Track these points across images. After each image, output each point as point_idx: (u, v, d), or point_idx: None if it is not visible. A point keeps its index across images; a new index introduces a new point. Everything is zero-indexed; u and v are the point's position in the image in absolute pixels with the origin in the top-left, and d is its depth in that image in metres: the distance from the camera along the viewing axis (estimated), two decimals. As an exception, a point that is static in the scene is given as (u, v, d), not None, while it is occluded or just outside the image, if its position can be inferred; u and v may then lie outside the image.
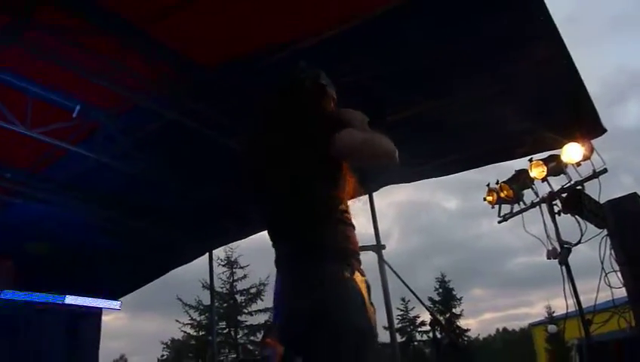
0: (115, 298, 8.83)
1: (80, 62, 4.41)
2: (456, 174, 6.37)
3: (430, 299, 29.77)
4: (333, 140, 1.79)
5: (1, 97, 4.71)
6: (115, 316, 33.49)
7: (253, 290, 25.45)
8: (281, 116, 1.98)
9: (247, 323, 25.01)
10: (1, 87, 4.68)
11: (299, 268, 1.81)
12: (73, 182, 6.17)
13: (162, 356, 40.82)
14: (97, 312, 8.90)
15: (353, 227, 1.89)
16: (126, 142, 5.48)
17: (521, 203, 5.40)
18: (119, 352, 48.93)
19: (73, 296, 8.26)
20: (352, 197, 1.97)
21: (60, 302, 8.11)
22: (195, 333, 25.52)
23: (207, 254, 8.61)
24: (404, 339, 28.89)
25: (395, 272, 4.49)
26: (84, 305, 8.47)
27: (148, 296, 15.93)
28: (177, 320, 25.36)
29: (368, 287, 1.80)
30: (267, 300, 25.29)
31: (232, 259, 25.88)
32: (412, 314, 31.08)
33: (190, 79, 4.73)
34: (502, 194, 5.38)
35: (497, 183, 5.44)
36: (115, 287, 8.65)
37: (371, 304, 1.78)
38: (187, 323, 25.19)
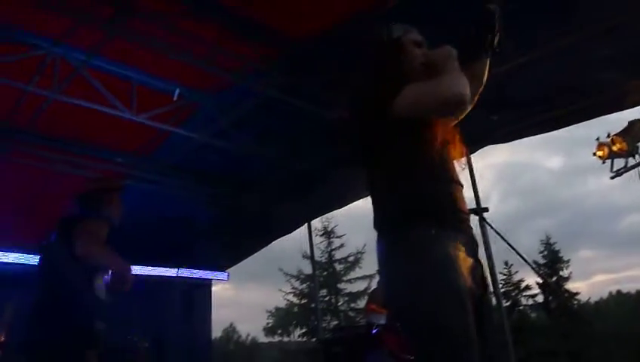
0: (222, 269, 9.32)
1: (178, 46, 4.61)
2: (558, 131, 6.01)
3: (535, 262, 28.64)
4: (393, 105, 1.76)
5: (108, 86, 5.05)
6: (224, 287, 35.53)
7: (351, 259, 25.82)
8: (356, 86, 1.97)
9: (347, 291, 25.47)
10: (109, 77, 5.01)
11: (383, 236, 1.80)
12: (178, 162, 6.53)
13: (267, 323, 42.85)
14: (208, 283, 9.47)
15: (449, 188, 1.82)
16: (225, 120, 5.69)
17: (636, 156, 5.02)
18: (229, 320, 52.00)
19: (186, 269, 8.83)
20: (458, 159, 1.91)
21: (175, 275, 8.71)
22: (297, 301, 26.39)
23: (306, 225, 8.84)
24: (508, 304, 28.13)
25: (500, 235, 4.37)
26: (196, 277, 9.03)
27: (252, 267, 16.77)
28: (280, 290, 26.36)
29: (462, 258, 1.71)
30: (365, 268, 25.58)
31: (329, 230, 26.34)
32: (516, 278, 30.08)
33: (284, 54, 4.80)
34: (614, 148, 5.02)
35: (608, 137, 5.08)
36: (223, 259, 9.12)
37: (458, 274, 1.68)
38: (289, 292, 26.12)
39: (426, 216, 1.72)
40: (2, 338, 6.60)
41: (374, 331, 4.80)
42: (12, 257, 7.08)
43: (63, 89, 4.81)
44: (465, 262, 1.69)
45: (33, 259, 7.19)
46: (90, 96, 4.97)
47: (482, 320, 1.65)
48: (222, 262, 9.31)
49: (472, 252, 1.78)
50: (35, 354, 2.80)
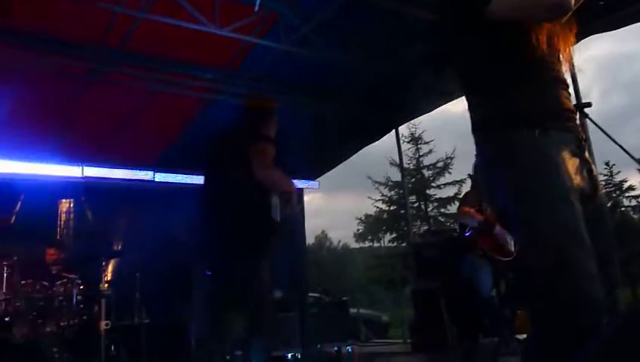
0: (313, 178, 9.57)
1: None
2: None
3: (639, 161, 26.87)
4: (489, 5, 1.64)
5: (192, 1, 5.10)
6: (314, 196, 36.69)
7: (440, 164, 25.55)
8: None
9: (437, 197, 25.48)
10: (191, -8, 5.05)
11: (483, 139, 1.75)
12: (265, 73, 6.60)
13: (358, 230, 44.16)
14: (299, 193, 9.80)
15: (552, 86, 1.73)
16: (306, 28, 5.62)
17: None
18: (320, 228, 54.06)
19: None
20: (563, 55, 1.79)
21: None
22: (386, 208, 26.82)
23: (394, 131, 8.78)
24: (610, 205, 27.01)
25: (603, 130, 4.11)
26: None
27: (341, 175, 17.10)
28: (369, 197, 26.81)
29: (567, 158, 1.64)
30: (455, 173, 25.28)
31: (417, 136, 25.99)
32: (617, 178, 28.56)
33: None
34: None
35: None
36: (312, 169, 9.33)
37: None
38: (378, 199, 26.49)
39: (527, 118, 1.66)
40: (119, 247, 7.30)
41: (468, 233, 4.81)
42: (118, 173, 7.63)
43: (149, 8, 4.91)
44: (571, 162, 1.64)
45: (137, 175, 7.76)
46: (176, 12, 5.05)
47: (593, 220, 1.61)
48: (312, 172, 9.53)
49: (579, 151, 1.71)
50: (218, 272, 3.09)
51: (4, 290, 5.50)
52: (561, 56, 1.80)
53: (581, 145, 1.73)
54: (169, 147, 7.68)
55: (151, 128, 7.20)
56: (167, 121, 7.25)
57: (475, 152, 1.82)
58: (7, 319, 5.41)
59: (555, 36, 1.77)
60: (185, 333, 6.73)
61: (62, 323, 5.88)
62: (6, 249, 5.67)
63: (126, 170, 7.54)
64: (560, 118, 1.70)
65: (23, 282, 5.66)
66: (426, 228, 23.76)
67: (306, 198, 10.00)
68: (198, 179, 7.75)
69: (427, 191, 25.58)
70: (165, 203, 7.99)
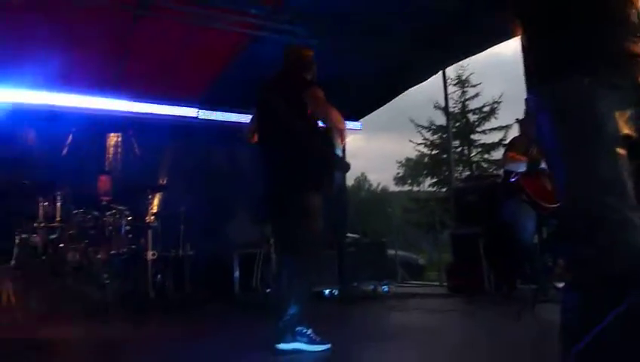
0: (355, 119, 9.51)
1: None
2: None
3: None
4: None
5: None
6: (356, 137, 36.33)
7: (486, 109, 24.90)
8: None
9: (481, 142, 24.99)
10: None
11: (533, 86, 1.71)
12: (309, 10, 6.48)
13: (398, 173, 44.04)
14: (341, 133, 9.78)
15: (612, 29, 1.62)
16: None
17: None
18: (360, 170, 54.10)
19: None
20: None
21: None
22: (428, 152, 26.52)
23: (440, 73, 8.58)
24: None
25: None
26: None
27: (383, 118, 16.87)
28: (411, 140, 26.49)
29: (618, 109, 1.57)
30: (501, 118, 24.65)
31: (463, 78, 25.26)
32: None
33: None
34: None
35: None
36: (355, 109, 9.26)
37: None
38: (420, 143, 26.16)
39: (580, 63, 1.60)
40: (164, 181, 7.54)
41: (513, 179, 4.77)
42: (164, 109, 7.76)
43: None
44: (623, 114, 1.58)
45: (183, 111, 7.87)
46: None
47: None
48: (354, 112, 9.46)
49: (636, 100, 1.64)
50: (283, 205, 3.53)
51: (57, 218, 5.81)
52: None
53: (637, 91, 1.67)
54: (213, 84, 7.74)
55: (196, 65, 7.24)
56: (212, 58, 7.26)
57: (525, 97, 1.78)
58: (61, 246, 5.75)
59: None
60: (227, 265, 7.02)
61: (111, 252, 6.21)
62: (59, 180, 5.94)
63: (172, 107, 7.66)
64: (619, 64, 1.63)
65: (75, 212, 5.95)
66: (468, 173, 23.51)
67: (347, 139, 9.95)
68: (241, 117, 7.92)
69: (471, 136, 25.11)
70: (209, 139, 8.16)
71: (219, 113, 8.16)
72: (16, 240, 5.76)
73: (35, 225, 5.71)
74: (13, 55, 6.07)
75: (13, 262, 5.65)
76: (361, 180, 52.02)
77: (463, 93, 25.31)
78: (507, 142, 6.15)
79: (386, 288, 7.28)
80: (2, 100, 6.74)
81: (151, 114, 7.65)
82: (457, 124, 24.80)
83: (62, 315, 5.08)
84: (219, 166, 8.62)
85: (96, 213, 6.18)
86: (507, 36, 6.98)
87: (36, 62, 6.11)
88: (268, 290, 6.29)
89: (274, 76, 3.76)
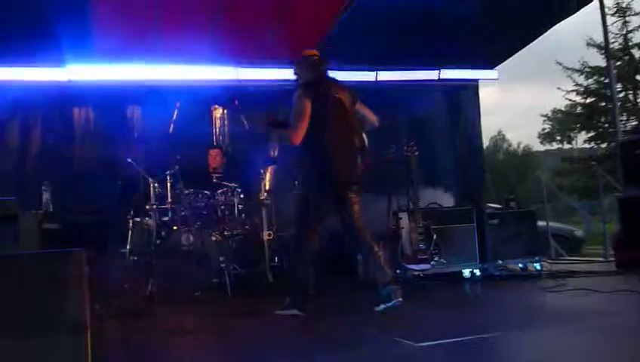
0: (490, 66, 9.15)
1: None
2: None
3: None
4: None
5: None
6: (491, 89, 35.14)
7: (655, 41, 22.93)
8: None
9: (650, 84, 23.13)
10: None
11: None
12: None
13: (543, 129, 41.97)
14: (474, 85, 9.46)
15: None
16: None
17: None
18: (496, 128, 52.19)
19: (449, 70, 8.89)
20: None
21: (436, 78, 8.87)
22: (582, 100, 25.05)
23: (593, 3, 7.97)
24: None
25: None
26: (461, 78, 9.07)
27: (521, 65, 15.99)
28: (559, 88, 25.18)
29: None
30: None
31: (624, 6, 23.34)
32: None
33: None
34: None
35: None
36: (490, 55, 8.90)
37: None
38: (571, 90, 24.77)
39: None
40: (275, 153, 7.78)
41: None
42: (270, 73, 7.94)
43: None
44: None
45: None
46: None
47: None
48: (489, 59, 9.11)
49: None
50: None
51: (169, 200, 6.22)
52: None
53: None
54: (322, 41, 7.80)
55: (303, 22, 7.31)
56: (319, 14, 7.30)
57: None
58: (174, 228, 6.16)
59: None
60: (345, 245, 7.14)
61: (226, 233, 6.56)
62: (167, 159, 6.34)
63: (279, 69, 7.84)
64: None
65: (186, 192, 6.33)
66: (635, 122, 21.88)
67: (481, 92, 9.61)
68: (358, 75, 7.97)
69: (637, 77, 23.34)
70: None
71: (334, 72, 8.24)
72: (130, 224, 6.27)
73: (147, 207, 6.17)
74: (112, 29, 6.51)
75: (128, 247, 6.17)
76: (499, 140, 50.32)
77: (625, 23, 23.46)
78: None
79: (538, 266, 7.03)
80: (105, 78, 7.29)
81: (257, 80, 7.88)
82: (618, 63, 23.08)
83: (181, 300, 5.45)
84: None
85: (207, 192, 6.53)
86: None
87: (134, 35, 6.52)
88: (398, 271, 6.32)
89: (323, 77, 4.94)
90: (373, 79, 8.45)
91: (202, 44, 6.88)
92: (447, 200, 7.60)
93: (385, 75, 8.53)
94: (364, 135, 5.03)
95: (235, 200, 6.58)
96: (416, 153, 6.43)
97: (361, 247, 4.76)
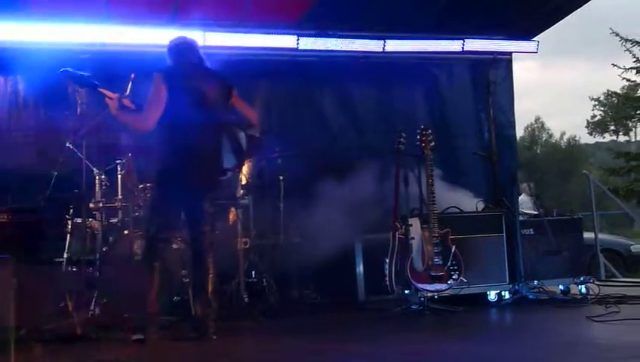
0: (527, 37, 9.16)
1: None
2: None
3: None
4: None
5: None
6: (528, 65, 35.13)
7: None
8: None
9: None
10: None
11: None
12: None
13: (593, 116, 42.16)
14: (507, 59, 9.47)
15: None
16: None
17: None
18: (533, 113, 52.36)
19: (476, 39, 8.89)
20: None
21: (460, 49, 8.87)
22: (642, 82, 25.18)
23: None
24: None
25: None
26: (490, 50, 9.07)
27: (565, 36, 15.90)
28: (615, 65, 25.22)
29: None
30: None
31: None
32: None
33: None
34: None
35: None
36: (528, 22, 8.91)
37: None
38: (630, 68, 24.84)
39: None
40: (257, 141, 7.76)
41: None
42: (248, 40, 7.96)
43: None
44: None
45: (278, 41, 8.03)
46: None
47: None
48: (526, 27, 9.12)
49: None
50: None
51: (118, 196, 6.20)
52: None
53: None
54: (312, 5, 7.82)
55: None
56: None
57: None
58: (125, 232, 6.15)
59: None
60: (346, 257, 7.16)
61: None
62: (117, 145, 6.33)
63: (263, 36, 7.87)
64: None
65: (140, 186, 6.29)
66: None
67: (515, 68, 9.62)
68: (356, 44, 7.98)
69: None
70: (314, 78, 8.29)
71: (325, 40, 8.26)
72: (68, 227, 6.23)
73: (90, 205, 6.14)
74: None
75: (66, 255, 6.12)
76: (537, 129, 50.51)
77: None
78: None
79: (583, 288, 7.06)
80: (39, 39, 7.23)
81: (235, 47, 7.89)
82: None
83: (131, 323, 5.43)
84: (329, 114, 8.76)
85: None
86: None
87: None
88: (407, 292, 6.34)
89: (189, 66, 5.21)
90: (381, 49, 8.46)
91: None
92: (470, 203, 7.60)
93: (395, 45, 8.55)
94: (242, 135, 5.49)
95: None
96: (432, 144, 6.45)
97: (198, 267, 5.08)
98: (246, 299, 6.60)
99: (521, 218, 7.47)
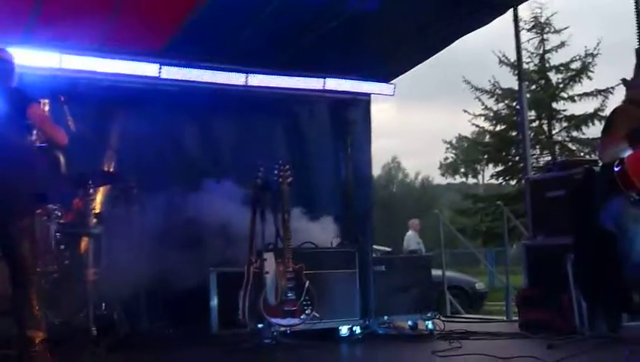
0: (385, 79, 9.45)
1: None
2: None
3: None
4: None
5: None
6: (385, 107, 36.31)
7: (575, 65, 24.71)
8: None
9: (568, 113, 24.82)
10: None
11: None
12: None
13: (446, 158, 43.99)
14: (365, 100, 9.72)
15: None
16: None
17: None
18: (391, 154, 53.98)
19: (335, 79, 9.08)
20: None
21: (320, 88, 9.03)
22: (491, 127, 26.38)
23: (509, 12, 8.46)
24: None
25: None
26: (349, 90, 9.29)
27: (423, 80, 16.70)
28: (466, 111, 26.34)
29: None
30: (598, 79, 24.48)
31: (543, 20, 25.06)
32: None
33: None
34: None
35: None
36: (385, 65, 9.19)
37: None
38: (480, 115, 26.00)
39: None
40: (111, 168, 7.53)
41: (618, 168, 4.71)
42: (112, 66, 7.77)
43: None
44: None
45: (141, 68, 7.89)
46: None
47: None
48: (384, 70, 9.40)
49: None
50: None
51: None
52: None
53: None
54: (177, 31, 7.75)
55: (150, 8, 7.22)
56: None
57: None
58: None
59: None
60: (200, 289, 7.06)
61: (37, 269, 6.22)
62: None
63: (124, 62, 7.70)
64: None
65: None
66: (549, 158, 23.37)
67: (374, 108, 9.91)
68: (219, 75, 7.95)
69: (554, 105, 24.96)
70: (175, 107, 8.19)
71: (188, 70, 8.21)
72: None
73: None
74: None
75: None
76: (393, 168, 52.09)
77: (542, 41, 25.15)
78: (607, 115, 6.07)
79: (430, 324, 7.26)
80: None
81: (93, 72, 7.67)
82: (534, 88, 24.66)
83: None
84: (188, 145, 8.66)
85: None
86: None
87: None
88: (260, 326, 6.30)
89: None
90: (242, 83, 8.47)
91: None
92: (326, 239, 7.69)
93: (257, 80, 8.60)
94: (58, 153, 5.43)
95: (52, 227, 6.30)
96: (290, 179, 6.49)
97: (16, 291, 4.77)
98: (94, 331, 6.34)
99: (374, 255, 7.61)
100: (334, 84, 9.09)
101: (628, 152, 4.72)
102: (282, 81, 8.82)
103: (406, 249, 13.61)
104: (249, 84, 8.50)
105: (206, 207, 7.45)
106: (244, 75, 8.45)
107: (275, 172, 6.52)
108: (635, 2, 6.78)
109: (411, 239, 14.72)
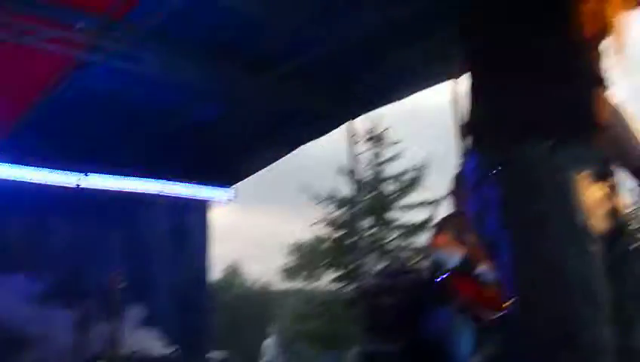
0: (226, 185, 9.47)
1: None
2: None
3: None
4: None
5: None
6: (227, 211, 36.01)
7: (408, 176, 25.74)
8: None
9: (402, 222, 25.60)
10: None
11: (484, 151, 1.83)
12: (162, 29, 6.49)
13: (286, 263, 44.01)
14: (204, 205, 9.67)
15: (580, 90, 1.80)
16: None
17: None
18: (231, 257, 53.50)
19: (174, 183, 9.01)
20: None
21: (158, 192, 8.91)
22: (329, 234, 26.75)
23: (345, 126, 8.76)
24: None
25: None
26: (187, 196, 9.22)
27: (265, 185, 16.90)
28: (305, 217, 26.71)
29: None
30: (430, 189, 25.54)
31: (378, 133, 26.07)
32: (648, 209, 30.00)
33: None
34: None
35: None
36: (225, 172, 9.24)
37: None
38: (317, 222, 26.37)
39: (539, 125, 1.72)
40: None
41: (443, 277, 4.89)
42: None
43: None
44: (592, 189, 1.69)
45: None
46: None
47: (615, 265, 1.68)
48: (224, 176, 9.44)
49: (604, 174, 1.77)
50: None
51: None
52: (603, 37, 1.83)
53: (608, 167, 1.80)
54: (16, 126, 7.46)
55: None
56: (17, 89, 7.01)
57: (460, 161, 1.85)
58: None
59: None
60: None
61: None
62: None
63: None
64: (584, 128, 1.75)
65: None
66: (384, 265, 23.90)
67: (216, 213, 9.88)
68: (60, 176, 7.71)
69: (388, 214, 25.69)
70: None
71: (20, 168, 7.92)
72: None
73: None
74: None
75: None
76: (233, 273, 51.47)
77: (377, 154, 26.06)
78: (435, 222, 6.34)
79: None
80: None
81: None
82: (370, 196, 25.41)
83: None
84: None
85: None
86: (437, 78, 7.34)
87: None
88: None
89: None
90: (78, 183, 8.22)
91: None
92: (161, 345, 7.42)
93: (94, 181, 8.38)
94: None
95: None
96: (122, 285, 6.28)
97: None
98: None
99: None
100: (173, 188, 9.01)
101: (453, 261, 4.93)
102: (120, 183, 8.68)
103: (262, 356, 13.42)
104: (85, 185, 8.26)
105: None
106: (82, 174, 8.22)
107: (108, 277, 6.31)
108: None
109: (269, 347, 14.62)
